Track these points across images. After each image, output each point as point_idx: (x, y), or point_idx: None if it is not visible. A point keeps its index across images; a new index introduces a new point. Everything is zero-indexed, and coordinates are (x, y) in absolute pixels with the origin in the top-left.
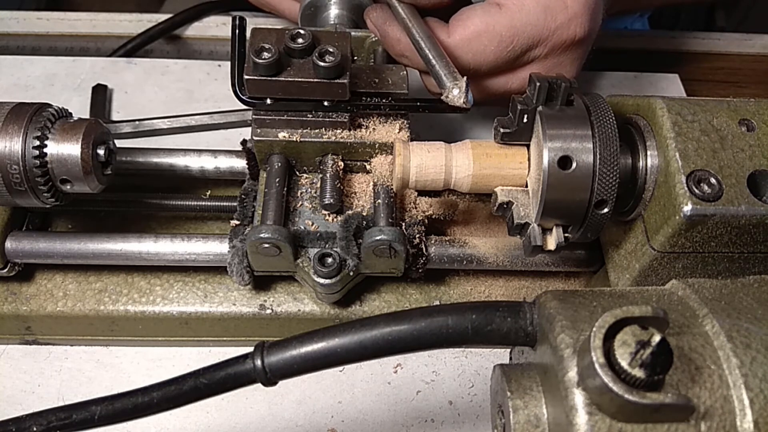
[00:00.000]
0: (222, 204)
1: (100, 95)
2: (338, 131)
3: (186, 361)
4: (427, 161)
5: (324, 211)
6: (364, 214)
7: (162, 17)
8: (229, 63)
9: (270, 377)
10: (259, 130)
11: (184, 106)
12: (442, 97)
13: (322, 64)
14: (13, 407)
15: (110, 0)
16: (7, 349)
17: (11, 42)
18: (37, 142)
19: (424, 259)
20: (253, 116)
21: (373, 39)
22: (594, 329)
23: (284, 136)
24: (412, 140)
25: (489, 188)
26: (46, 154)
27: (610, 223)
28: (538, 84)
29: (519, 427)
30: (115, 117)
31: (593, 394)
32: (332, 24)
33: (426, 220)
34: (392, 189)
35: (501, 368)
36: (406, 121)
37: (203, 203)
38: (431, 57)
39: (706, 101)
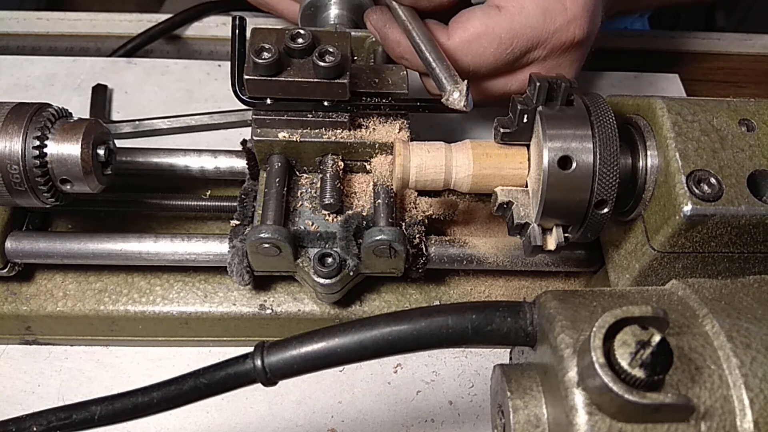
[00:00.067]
0: (222, 204)
1: (100, 95)
2: (338, 131)
3: (186, 361)
4: (427, 161)
5: (324, 211)
6: (364, 214)
7: (162, 17)
8: (229, 63)
9: (270, 377)
10: (259, 130)
11: (184, 106)
12: (442, 100)
13: (322, 64)
14: (13, 407)
15: (110, 0)
16: (7, 349)
17: (11, 42)
18: (37, 142)
19: (424, 259)
20: (253, 116)
21: (373, 39)
22: (594, 329)
23: (284, 136)
24: (412, 140)
25: (489, 188)
26: (46, 154)
27: (610, 223)
28: (538, 84)
29: (519, 427)
30: (115, 117)
31: (593, 394)
32: (332, 24)
33: (426, 220)
34: (392, 189)
35: (501, 368)
36: (406, 121)
37: (203, 203)
38: (431, 59)
39: (706, 101)
